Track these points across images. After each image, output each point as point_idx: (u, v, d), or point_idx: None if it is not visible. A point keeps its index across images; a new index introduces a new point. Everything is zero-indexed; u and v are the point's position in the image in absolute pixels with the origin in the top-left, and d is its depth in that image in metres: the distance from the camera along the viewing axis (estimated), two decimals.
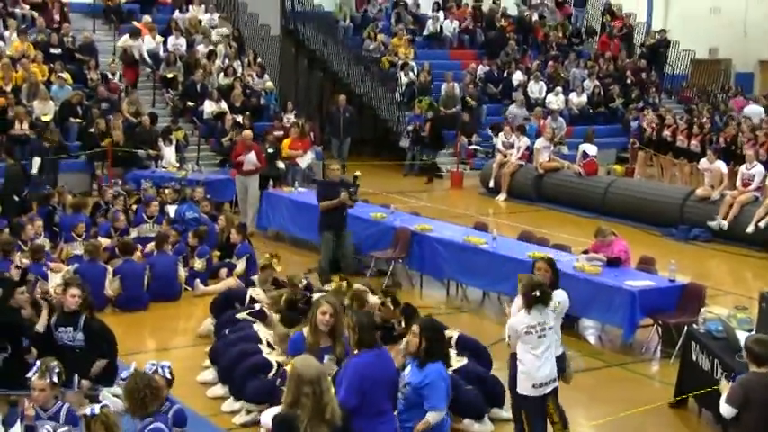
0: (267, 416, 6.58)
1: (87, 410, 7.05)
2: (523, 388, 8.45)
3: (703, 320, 10.46)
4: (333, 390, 6.59)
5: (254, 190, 18.91)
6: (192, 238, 15.45)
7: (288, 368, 7.32)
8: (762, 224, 18.15)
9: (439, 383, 7.35)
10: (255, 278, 13.13)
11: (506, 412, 9.80)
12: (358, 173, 16.22)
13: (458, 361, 10.09)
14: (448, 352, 7.88)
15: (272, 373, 9.94)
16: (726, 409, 7.81)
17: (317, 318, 8.27)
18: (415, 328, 7.54)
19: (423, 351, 7.39)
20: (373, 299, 11.55)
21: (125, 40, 26.33)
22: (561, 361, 8.76)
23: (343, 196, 14.72)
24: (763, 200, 18.68)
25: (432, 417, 7.29)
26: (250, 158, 18.75)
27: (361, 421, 7.03)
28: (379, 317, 10.77)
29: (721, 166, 19.98)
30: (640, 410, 9.99)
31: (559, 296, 8.89)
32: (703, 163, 20.52)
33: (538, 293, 8.37)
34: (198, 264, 14.91)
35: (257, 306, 11.84)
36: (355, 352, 7.34)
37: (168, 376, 7.91)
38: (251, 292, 11.99)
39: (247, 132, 19.78)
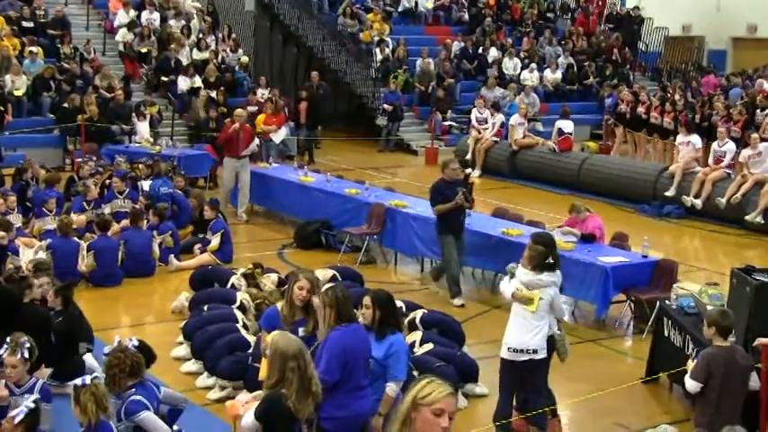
0: (249, 417, 6.47)
1: (78, 381, 6.99)
2: (503, 349, 8.61)
3: (675, 296, 10.51)
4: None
5: (247, 175, 17.89)
6: (152, 216, 15.12)
7: (264, 343, 7.28)
8: (733, 201, 18.24)
9: (402, 354, 7.43)
10: (242, 285, 12.46)
11: (480, 387, 9.84)
12: (468, 170, 14.34)
13: (423, 348, 10.11)
14: (402, 321, 7.85)
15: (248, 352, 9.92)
16: (691, 384, 7.89)
17: (293, 292, 8.27)
18: (367, 300, 7.56)
19: (377, 322, 7.43)
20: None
21: (123, 34, 26.07)
22: (551, 343, 8.78)
23: (458, 198, 13.09)
24: (734, 177, 18.76)
25: (391, 388, 7.32)
26: (252, 146, 18.08)
27: (341, 396, 7.02)
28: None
29: (697, 140, 20.01)
30: (613, 390, 10.02)
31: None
32: (680, 137, 20.56)
33: (551, 260, 8.55)
34: (159, 239, 14.68)
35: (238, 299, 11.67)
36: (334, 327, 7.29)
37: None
38: (239, 295, 11.83)
39: (239, 110, 18.80)
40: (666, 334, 10.25)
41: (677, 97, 25.47)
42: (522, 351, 8.53)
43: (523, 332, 8.54)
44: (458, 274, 13.31)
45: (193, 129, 23.83)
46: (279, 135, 22.63)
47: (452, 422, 4.11)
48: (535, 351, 8.54)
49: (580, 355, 11.56)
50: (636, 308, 12.54)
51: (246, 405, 7.22)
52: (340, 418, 7.03)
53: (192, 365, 10.52)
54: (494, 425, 8.75)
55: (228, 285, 12.25)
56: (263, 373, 6.91)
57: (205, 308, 11.37)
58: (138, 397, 7.20)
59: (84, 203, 15.89)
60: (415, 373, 8.83)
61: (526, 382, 8.72)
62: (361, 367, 7.16)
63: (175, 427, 8.17)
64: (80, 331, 10.12)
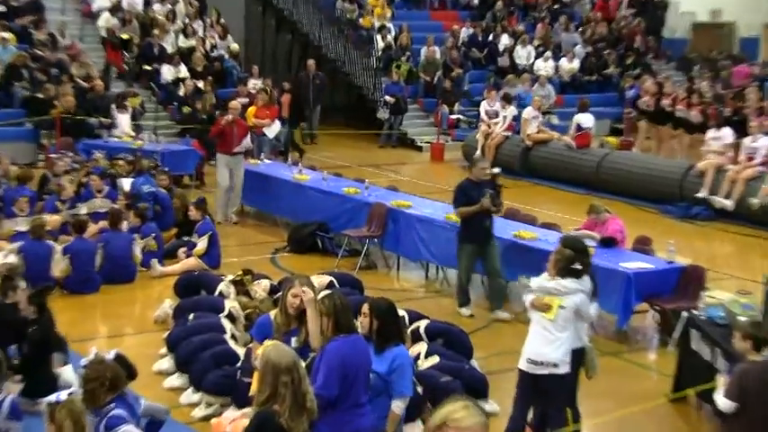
0: None
1: (53, 397, 6.93)
2: (521, 359, 8.58)
3: (704, 306, 10.45)
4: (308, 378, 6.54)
5: (241, 173, 17.92)
6: (132, 217, 15.09)
7: (255, 354, 7.25)
8: (767, 201, 18.18)
9: (407, 368, 7.40)
10: (231, 293, 12.45)
11: (490, 405, 9.79)
12: (497, 170, 13.87)
13: (428, 361, 10.07)
14: (405, 332, 7.81)
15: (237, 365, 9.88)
16: (723, 403, 7.75)
17: (286, 300, 8.26)
18: (365, 307, 7.54)
19: (376, 332, 7.40)
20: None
21: (107, 19, 26.05)
22: (579, 355, 8.73)
23: (484, 201, 12.72)
24: None
25: (398, 406, 7.30)
26: (246, 142, 18.08)
27: (339, 414, 6.96)
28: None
29: (727, 135, 19.96)
30: (636, 409, 9.97)
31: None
32: (710, 132, 20.49)
33: (578, 266, 8.51)
34: (141, 243, 14.64)
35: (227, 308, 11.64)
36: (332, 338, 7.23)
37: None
38: (227, 303, 11.80)
39: (233, 103, 18.76)
40: (694, 347, 10.19)
41: (705, 88, 25.40)
42: (541, 363, 8.48)
43: (544, 343, 8.49)
44: (467, 283, 13.20)
45: (183, 122, 23.79)
46: (272, 129, 22.59)
47: None
48: (555, 365, 8.48)
49: (600, 369, 11.53)
50: (660, 318, 12.49)
51: (234, 423, 7.18)
52: None
53: (176, 380, 10.46)
54: None
55: (216, 293, 12.20)
56: (254, 389, 6.86)
57: (190, 317, 11.33)
58: (119, 411, 7.16)
59: (59, 203, 15.83)
60: (419, 388, 8.79)
61: (547, 398, 8.66)
62: (361, 382, 7.11)
63: None
64: (54, 342, 10.07)
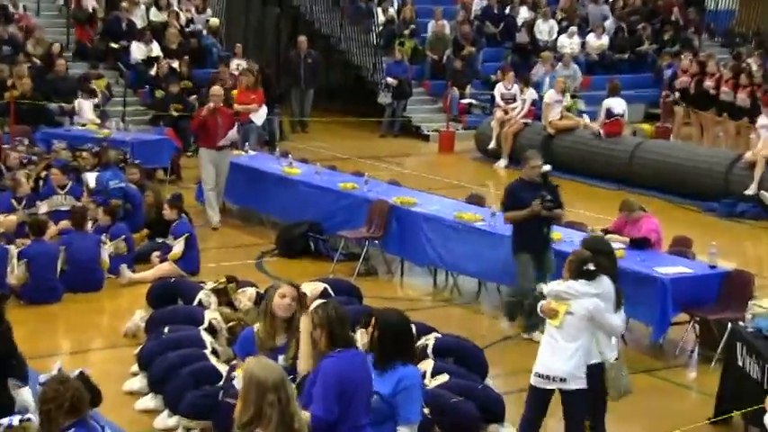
0: None
1: (5, 421, 6.99)
2: (533, 372, 8.75)
3: (751, 316, 10.51)
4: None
5: (226, 169, 17.77)
6: (102, 215, 15.13)
7: (236, 373, 7.31)
8: None
9: (415, 390, 7.40)
10: (211, 303, 12.45)
11: (507, 428, 9.86)
12: (547, 167, 13.44)
13: (436, 380, 10.13)
14: (415, 351, 7.82)
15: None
16: None
17: (273, 303, 8.30)
18: (373, 320, 7.63)
19: (379, 349, 7.40)
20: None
21: None
22: (597, 372, 8.82)
23: (534, 205, 12.54)
24: None
25: None
26: (232, 133, 17.98)
27: None
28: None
29: None
30: (674, 429, 10.04)
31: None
32: (761, 119, 20.53)
33: (591, 267, 8.63)
34: (110, 247, 14.68)
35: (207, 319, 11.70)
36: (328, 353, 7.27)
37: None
38: (207, 314, 11.86)
39: (216, 88, 18.64)
40: (740, 363, 10.24)
41: (754, 68, 25.44)
42: (547, 378, 8.61)
43: (551, 354, 8.65)
44: (536, 303, 13.03)
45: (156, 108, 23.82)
46: (260, 116, 22.66)
47: None
48: (563, 380, 8.59)
49: (629, 389, 11.59)
50: (702, 331, 12.54)
51: None
52: None
53: (150, 401, 10.51)
54: None
55: (195, 302, 12.25)
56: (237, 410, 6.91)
57: (165, 329, 11.37)
58: None
59: (14, 201, 15.88)
60: (426, 410, 8.85)
61: (565, 417, 8.78)
62: (362, 402, 7.16)
63: None
64: (11, 359, 10.12)
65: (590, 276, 8.66)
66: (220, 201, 18.02)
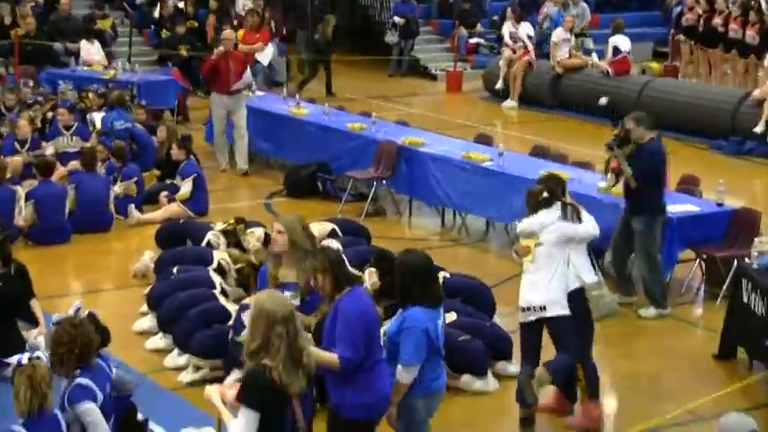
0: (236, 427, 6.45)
1: (15, 359, 7.06)
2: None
3: (757, 253, 10.59)
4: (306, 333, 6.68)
5: (243, 116, 17.40)
6: (113, 157, 15.21)
7: (249, 305, 7.47)
8: None
9: (414, 332, 7.43)
10: (220, 244, 12.49)
11: (515, 366, 9.96)
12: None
13: (445, 318, 10.21)
14: (433, 293, 7.84)
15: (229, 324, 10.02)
16: None
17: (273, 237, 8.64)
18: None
19: (397, 290, 7.60)
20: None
21: None
22: (578, 297, 8.89)
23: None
24: None
25: (399, 372, 7.39)
26: (246, 77, 17.66)
27: (360, 376, 7.13)
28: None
29: None
30: (679, 369, 10.12)
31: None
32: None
33: (546, 195, 8.82)
34: (118, 188, 14.77)
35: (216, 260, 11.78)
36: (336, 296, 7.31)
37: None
38: (216, 255, 11.90)
39: (227, 32, 18.45)
40: (746, 300, 10.33)
41: (764, 5, 25.30)
42: (528, 309, 8.77)
43: (531, 288, 8.80)
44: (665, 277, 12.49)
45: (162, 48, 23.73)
46: (266, 54, 22.59)
47: None
48: (543, 308, 8.74)
49: (638, 327, 11.71)
50: (708, 268, 12.62)
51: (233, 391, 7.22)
52: (364, 404, 7.16)
53: (160, 341, 10.64)
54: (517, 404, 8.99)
55: (204, 243, 12.33)
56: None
57: (174, 270, 11.48)
58: (85, 381, 7.27)
59: (17, 144, 15.89)
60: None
61: (556, 348, 8.97)
62: (378, 336, 7.33)
63: (140, 416, 8.31)
64: (22, 297, 10.21)
65: (548, 203, 8.82)
66: (245, 149, 17.45)
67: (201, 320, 10.19)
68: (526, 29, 23.87)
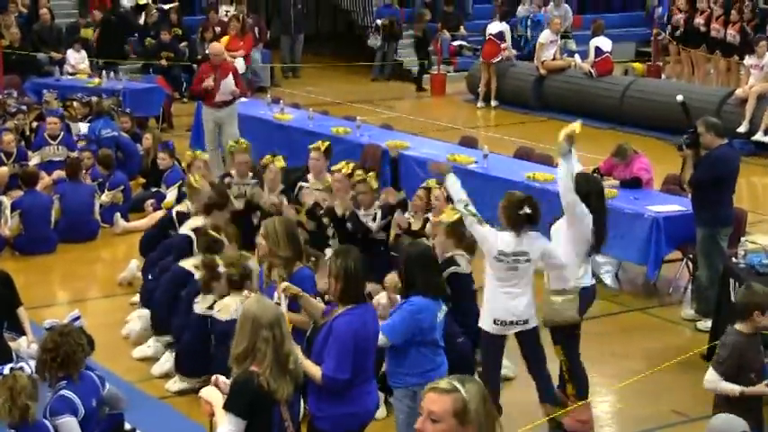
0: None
1: None
2: (484, 321, 8.79)
3: (744, 252, 10.58)
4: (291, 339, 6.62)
5: (233, 129, 16.73)
6: (99, 166, 15.18)
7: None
8: None
9: (403, 313, 7.64)
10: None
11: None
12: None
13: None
14: (436, 284, 7.93)
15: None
16: None
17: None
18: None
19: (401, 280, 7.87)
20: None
21: None
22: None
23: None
24: None
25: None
26: (227, 84, 16.67)
27: (348, 391, 7.12)
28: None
29: None
30: (667, 369, 10.09)
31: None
32: (750, 58, 20.51)
33: (528, 210, 8.56)
34: (105, 197, 14.74)
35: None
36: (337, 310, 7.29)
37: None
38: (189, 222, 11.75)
39: (216, 46, 17.93)
40: (733, 299, 10.30)
41: (746, 3, 25.31)
42: (512, 323, 8.77)
43: (510, 299, 8.70)
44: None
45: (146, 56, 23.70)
46: (240, 64, 22.48)
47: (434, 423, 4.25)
48: (525, 321, 8.77)
49: (626, 326, 11.70)
50: (694, 268, 12.60)
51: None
52: (341, 415, 7.14)
53: (147, 349, 10.59)
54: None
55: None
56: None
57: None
58: (68, 393, 7.24)
59: (2, 155, 15.69)
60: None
61: (527, 357, 9.10)
62: (370, 354, 7.30)
63: (128, 426, 8.26)
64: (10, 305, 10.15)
65: (532, 221, 8.62)
66: None
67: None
68: (498, 27, 23.73)
